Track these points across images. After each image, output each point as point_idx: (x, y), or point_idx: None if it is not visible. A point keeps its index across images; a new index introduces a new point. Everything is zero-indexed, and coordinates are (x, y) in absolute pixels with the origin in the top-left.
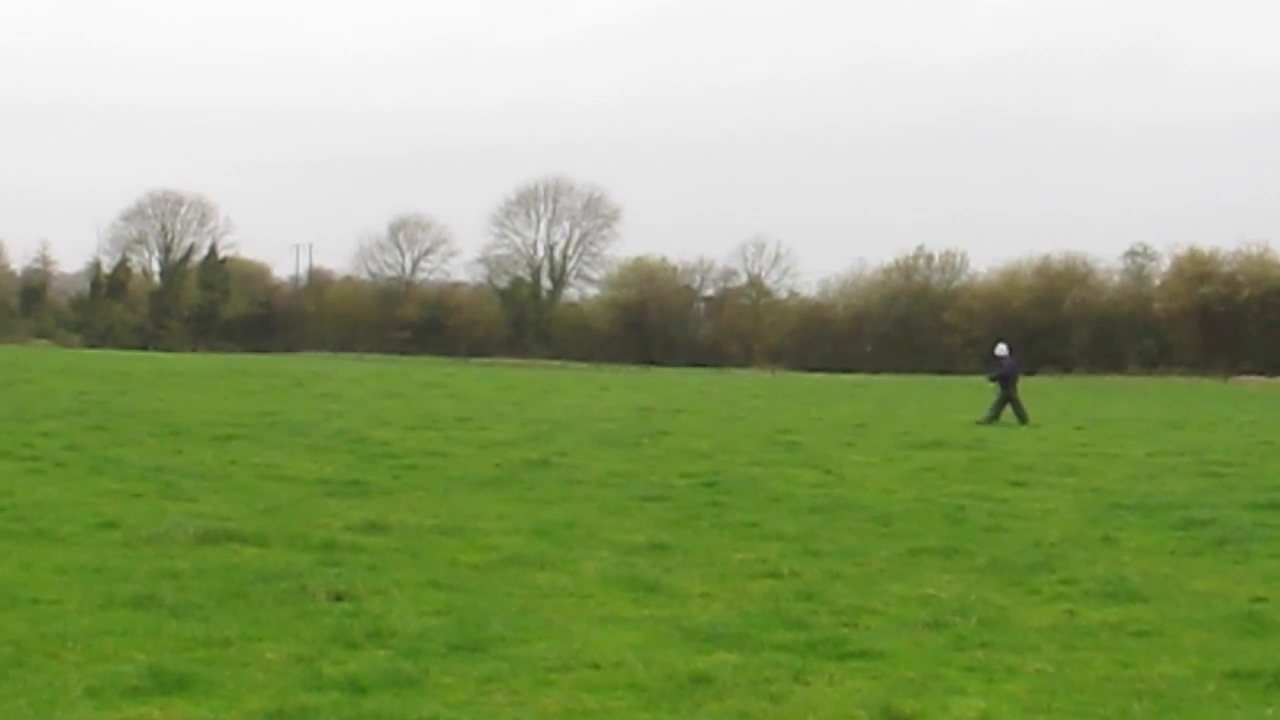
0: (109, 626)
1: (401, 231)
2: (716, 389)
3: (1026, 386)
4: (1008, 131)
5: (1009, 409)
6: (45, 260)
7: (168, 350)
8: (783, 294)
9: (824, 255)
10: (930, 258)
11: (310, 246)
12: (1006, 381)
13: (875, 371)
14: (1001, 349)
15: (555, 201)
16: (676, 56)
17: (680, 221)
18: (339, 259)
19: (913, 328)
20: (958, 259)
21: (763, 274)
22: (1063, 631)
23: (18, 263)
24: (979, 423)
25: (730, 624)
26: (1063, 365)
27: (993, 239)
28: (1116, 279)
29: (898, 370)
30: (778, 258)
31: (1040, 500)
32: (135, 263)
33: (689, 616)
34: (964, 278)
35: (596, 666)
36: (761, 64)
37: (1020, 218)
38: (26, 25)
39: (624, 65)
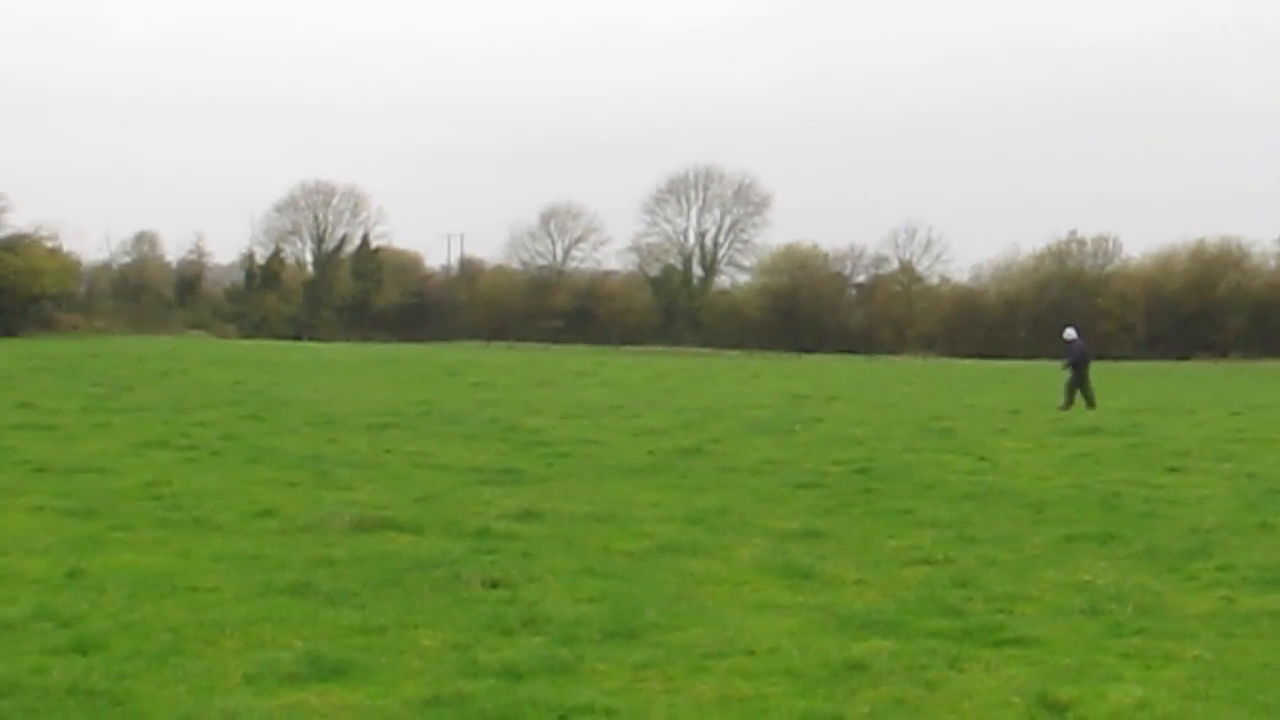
0: (266, 614)
1: (553, 220)
2: (869, 376)
3: (1181, 371)
4: (1160, 111)
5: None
6: (200, 252)
7: (321, 340)
8: (935, 280)
9: (976, 240)
10: (1083, 242)
11: (462, 236)
12: (1077, 365)
13: (1028, 357)
14: (1070, 333)
15: (706, 189)
16: (828, 42)
17: (831, 208)
18: (490, 248)
19: (1066, 313)
20: (1110, 243)
21: (914, 260)
22: (1220, 618)
23: (173, 255)
24: (1060, 409)
25: (885, 611)
26: (1218, 350)
27: (1146, 221)
28: (1273, 263)
29: (1051, 356)
30: (929, 243)
31: (1196, 486)
32: (288, 253)
33: (843, 603)
34: (1117, 262)
35: (751, 653)
36: (914, 47)
37: (1173, 199)
38: (179, 23)
39: (775, 52)
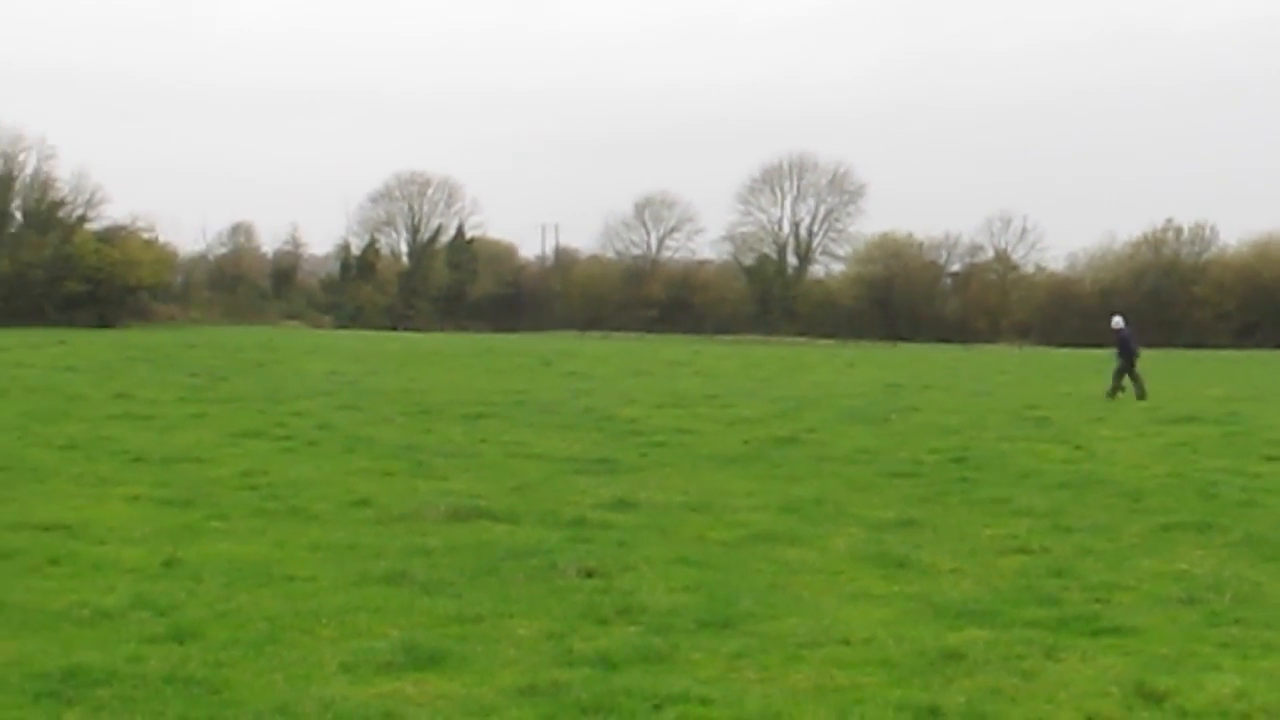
0: (363, 603)
1: (647, 209)
2: (964, 365)
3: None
4: (1258, 96)
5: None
6: (295, 243)
7: (417, 330)
8: (1030, 268)
9: (1071, 228)
10: (1179, 230)
11: (556, 226)
12: (1127, 355)
13: None
14: (1117, 321)
15: (800, 178)
16: (924, 29)
17: (926, 196)
18: (585, 238)
19: (1162, 301)
20: (1207, 231)
21: (1009, 249)
22: None
23: (269, 246)
24: (1108, 395)
25: (981, 600)
26: None
27: (1242, 208)
28: None
29: (1148, 345)
30: (1024, 232)
31: None
32: (384, 244)
33: (939, 592)
34: (1213, 250)
35: (847, 642)
36: (1010, 33)
37: (1271, 186)
38: (269, 17)
39: (870, 39)
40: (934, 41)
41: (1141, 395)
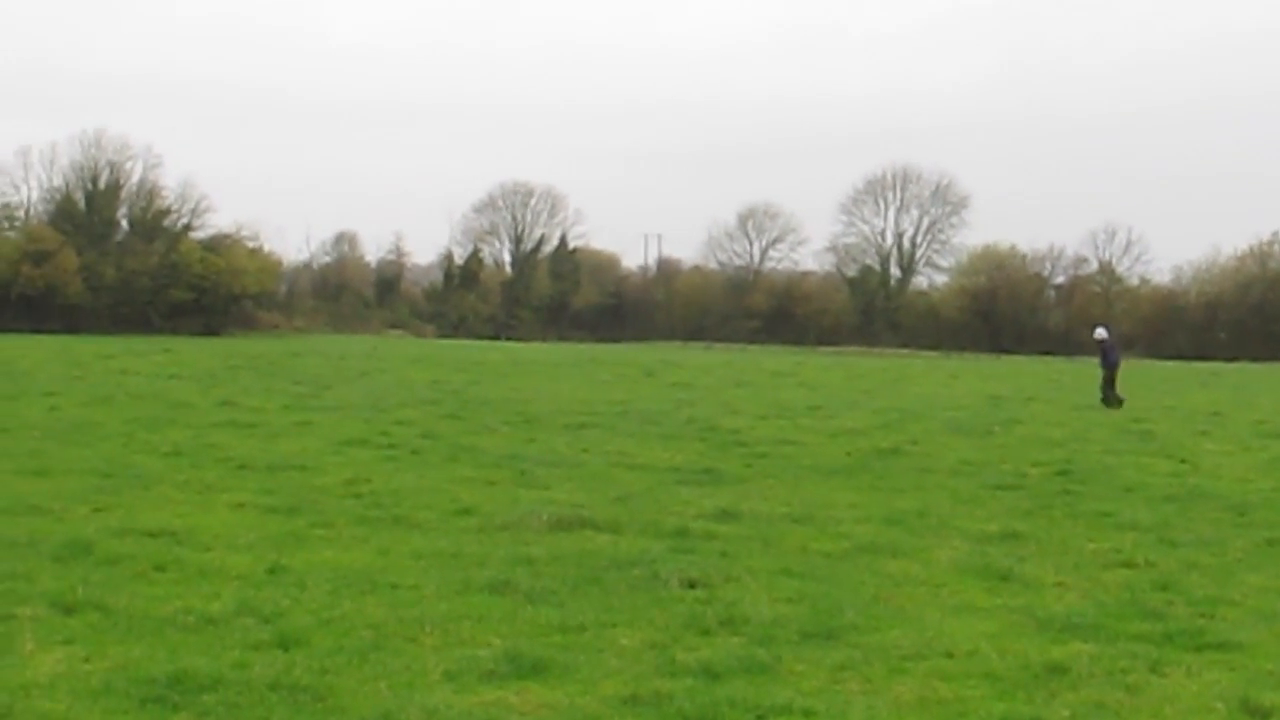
0: (466, 611)
1: (750, 220)
2: (1067, 377)
3: None
4: None
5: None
6: (399, 252)
7: (519, 339)
8: (1134, 281)
9: (1176, 240)
10: None
11: (659, 236)
12: (1110, 366)
13: (1230, 359)
14: (1100, 332)
15: (903, 189)
16: (1028, 40)
17: (1029, 207)
18: (688, 248)
19: (1269, 315)
20: None
21: (1114, 261)
22: None
23: (372, 255)
24: (1103, 402)
25: (1085, 614)
26: None
27: None
28: None
29: (1254, 358)
30: (1129, 244)
31: None
32: (487, 253)
33: (1043, 606)
34: None
35: (950, 655)
36: (1114, 44)
37: None
38: (379, 31)
39: (974, 51)
40: (1040, 52)
41: (1109, 404)
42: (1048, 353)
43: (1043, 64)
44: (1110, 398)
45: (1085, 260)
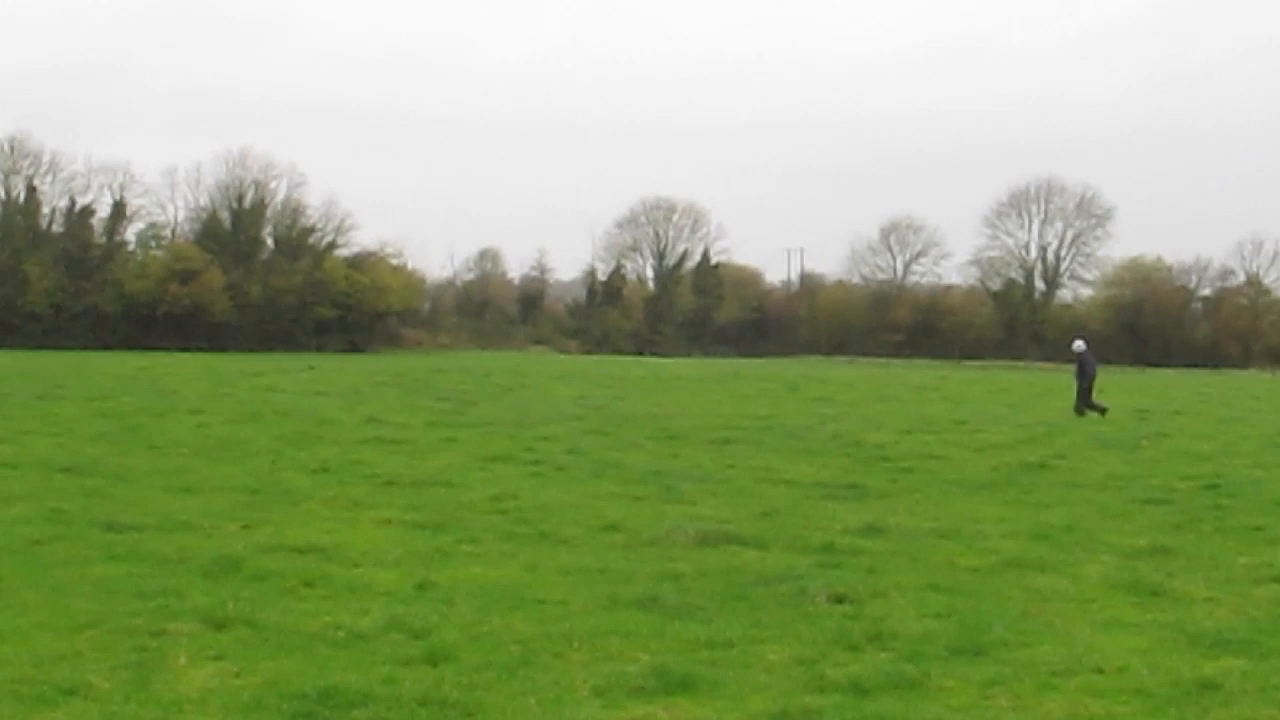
0: (613, 627)
1: (893, 234)
2: (1215, 390)
3: None
4: None
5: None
6: (542, 268)
7: (663, 355)
8: None
9: None
10: None
11: (802, 251)
12: (1086, 376)
13: None
14: (1078, 345)
15: (1047, 202)
16: (1175, 52)
17: (1175, 220)
18: (830, 263)
19: None
20: None
21: (1261, 272)
22: None
23: (516, 272)
24: (1076, 410)
25: (1237, 630)
26: None
27: None
28: None
29: None
30: (1277, 255)
31: None
32: (629, 269)
33: (1194, 621)
34: None
35: (1100, 671)
36: (1262, 57)
37: None
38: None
39: (1120, 64)
40: (1186, 62)
41: (1080, 412)
42: (1194, 365)
43: (1189, 74)
44: (1084, 407)
45: (1232, 272)
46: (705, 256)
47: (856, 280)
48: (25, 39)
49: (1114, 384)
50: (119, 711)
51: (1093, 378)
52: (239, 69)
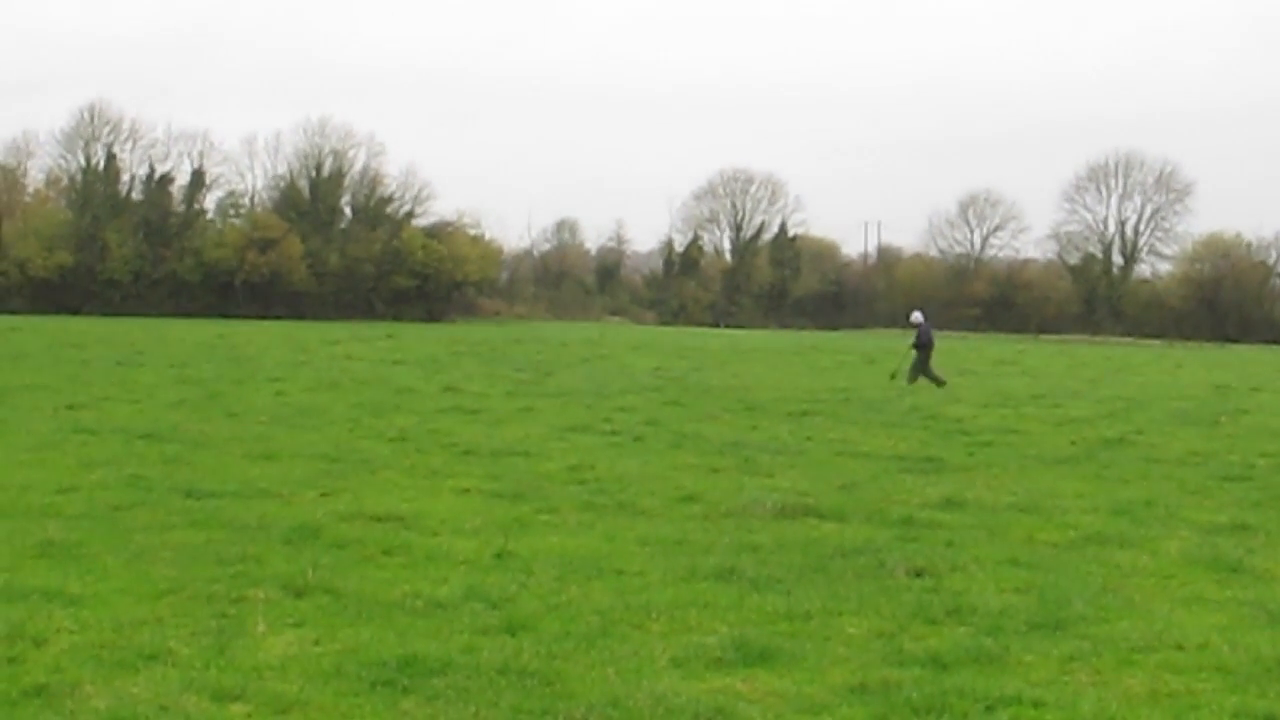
0: (692, 598)
1: (971, 208)
2: None
3: None
4: None
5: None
6: (619, 239)
7: (740, 327)
8: None
9: None
10: None
11: (879, 223)
12: (923, 347)
13: None
14: (916, 316)
15: (1127, 176)
16: (1254, 28)
17: (1256, 195)
18: (908, 236)
19: None
20: None
21: None
22: None
23: (592, 243)
24: (905, 384)
25: None
26: None
27: None
28: None
29: None
30: None
31: None
32: (707, 241)
33: (1274, 599)
34: None
35: (1180, 648)
36: None
37: None
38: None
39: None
40: (1265, 39)
41: (906, 379)
42: (1274, 342)
43: (1275, 48)
44: (918, 375)
45: None
46: (783, 229)
47: (934, 253)
48: (119, 7)
49: (1193, 359)
50: (199, 677)
51: (929, 347)
52: (322, 39)
